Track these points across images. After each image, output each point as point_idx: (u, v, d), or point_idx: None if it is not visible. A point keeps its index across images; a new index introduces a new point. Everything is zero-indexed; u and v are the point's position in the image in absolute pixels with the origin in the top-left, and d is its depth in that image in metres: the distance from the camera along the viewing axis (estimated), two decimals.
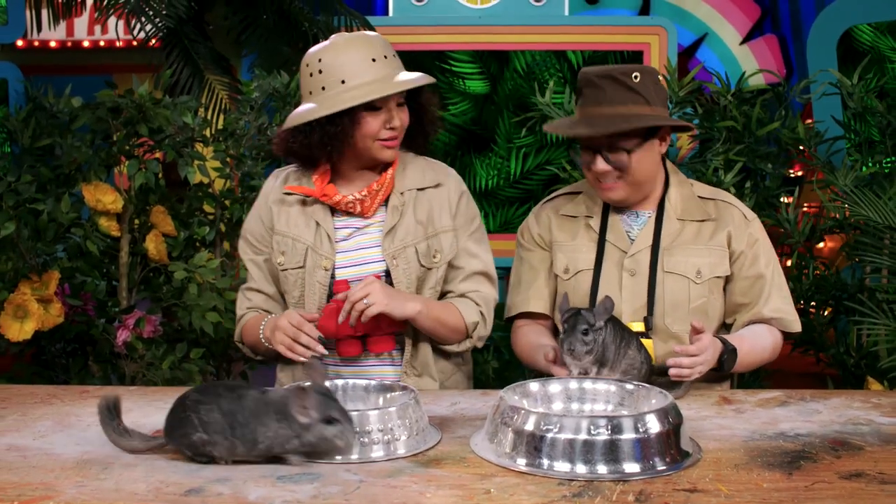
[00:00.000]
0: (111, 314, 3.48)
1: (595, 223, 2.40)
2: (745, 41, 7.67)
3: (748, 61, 7.49)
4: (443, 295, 2.38)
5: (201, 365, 3.43)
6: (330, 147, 2.27)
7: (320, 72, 2.24)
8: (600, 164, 2.29)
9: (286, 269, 2.35)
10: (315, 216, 2.35)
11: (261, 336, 2.30)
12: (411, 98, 2.32)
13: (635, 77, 2.28)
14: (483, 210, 4.85)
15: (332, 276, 2.31)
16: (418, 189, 2.37)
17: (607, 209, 2.41)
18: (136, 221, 3.53)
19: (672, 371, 2.06)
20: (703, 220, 2.37)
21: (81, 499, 1.50)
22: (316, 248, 2.32)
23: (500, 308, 2.50)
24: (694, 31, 7.65)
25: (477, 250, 2.40)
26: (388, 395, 1.92)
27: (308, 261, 2.32)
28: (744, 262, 2.36)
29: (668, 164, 2.44)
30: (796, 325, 2.40)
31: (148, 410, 2.03)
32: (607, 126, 2.24)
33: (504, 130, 4.83)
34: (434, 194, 2.37)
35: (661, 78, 2.36)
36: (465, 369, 2.48)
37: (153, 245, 3.39)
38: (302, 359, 2.21)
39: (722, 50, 7.62)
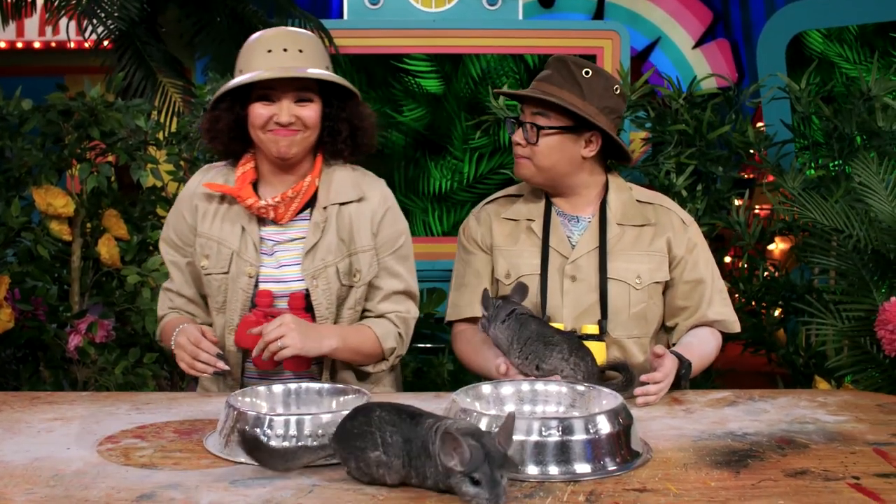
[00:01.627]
0: (63, 319, 3.44)
1: (537, 227, 2.40)
2: (697, 45, 7.75)
3: (700, 65, 7.56)
4: (362, 313, 2.33)
5: (155, 370, 3.40)
6: (234, 135, 2.25)
7: (237, 63, 2.26)
8: (515, 135, 2.37)
9: (210, 274, 2.28)
10: (241, 220, 2.27)
11: (172, 345, 2.23)
12: (336, 105, 2.25)
13: (586, 73, 2.31)
14: (436, 212, 4.87)
15: (256, 285, 2.25)
16: (340, 203, 2.28)
17: (549, 212, 2.41)
18: (88, 225, 3.50)
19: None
20: (642, 225, 2.39)
21: None
22: (241, 254, 2.25)
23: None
24: (647, 35, 7.71)
25: (399, 269, 2.34)
26: (342, 399, 1.92)
27: (233, 267, 2.25)
28: (684, 267, 2.38)
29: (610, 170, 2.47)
30: (737, 326, 2.45)
31: (99, 416, 2.02)
32: (530, 93, 2.33)
33: (459, 133, 4.85)
34: (356, 210, 2.29)
35: (617, 90, 2.36)
36: (390, 378, 2.43)
37: (105, 249, 3.36)
38: (205, 375, 2.18)
39: (675, 54, 7.69)
